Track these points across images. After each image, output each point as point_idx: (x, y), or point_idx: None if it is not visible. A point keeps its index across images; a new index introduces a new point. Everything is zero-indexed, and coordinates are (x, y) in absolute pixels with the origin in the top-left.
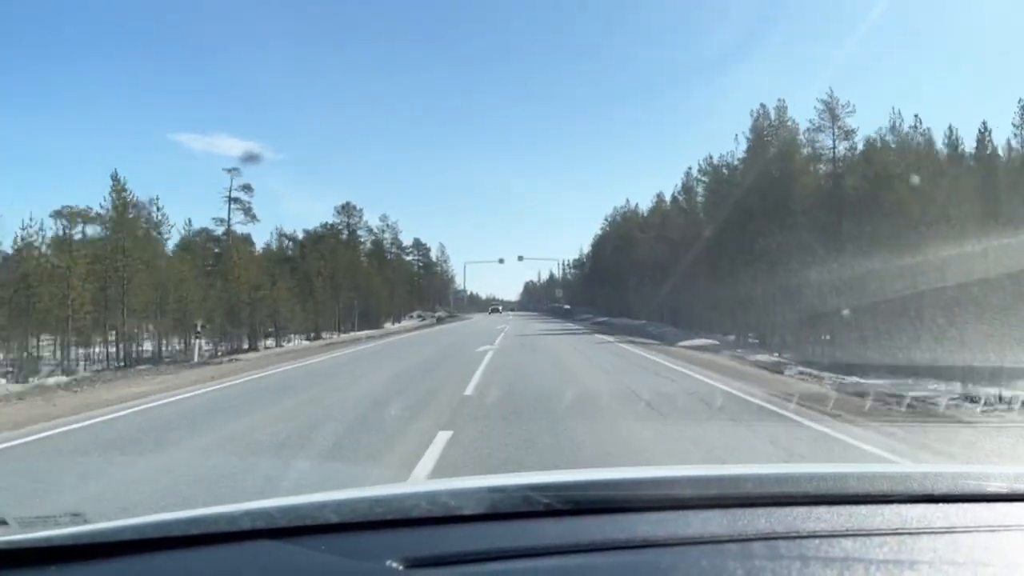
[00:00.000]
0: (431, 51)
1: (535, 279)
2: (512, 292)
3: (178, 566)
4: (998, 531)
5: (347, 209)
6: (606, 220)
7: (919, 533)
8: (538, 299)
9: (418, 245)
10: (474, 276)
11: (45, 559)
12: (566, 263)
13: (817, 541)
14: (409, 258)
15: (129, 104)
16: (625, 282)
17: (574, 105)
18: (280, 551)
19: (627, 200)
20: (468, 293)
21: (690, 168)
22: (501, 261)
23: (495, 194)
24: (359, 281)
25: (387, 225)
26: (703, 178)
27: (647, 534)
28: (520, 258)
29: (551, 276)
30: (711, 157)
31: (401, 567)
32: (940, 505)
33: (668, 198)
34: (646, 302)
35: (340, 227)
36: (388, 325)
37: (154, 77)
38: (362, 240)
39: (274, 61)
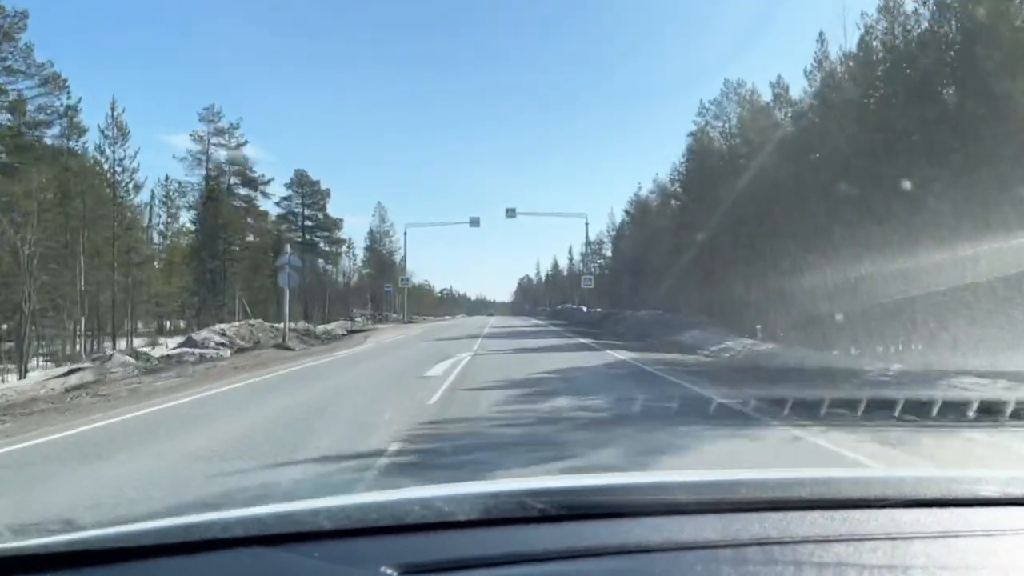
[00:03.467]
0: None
1: (532, 275)
2: (504, 291)
3: (171, 573)
4: (991, 535)
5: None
6: (694, 132)
7: (912, 538)
8: (536, 300)
9: (303, 183)
10: (455, 272)
11: (39, 567)
12: (586, 241)
13: (811, 546)
14: (277, 210)
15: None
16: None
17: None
18: (274, 558)
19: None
20: (412, 282)
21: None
22: (474, 223)
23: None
24: None
25: (216, 128)
26: None
27: (642, 539)
28: (510, 212)
29: (555, 267)
30: None
31: (396, 573)
32: (933, 510)
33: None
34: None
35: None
36: None
37: (151, 76)
38: (80, 152)
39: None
